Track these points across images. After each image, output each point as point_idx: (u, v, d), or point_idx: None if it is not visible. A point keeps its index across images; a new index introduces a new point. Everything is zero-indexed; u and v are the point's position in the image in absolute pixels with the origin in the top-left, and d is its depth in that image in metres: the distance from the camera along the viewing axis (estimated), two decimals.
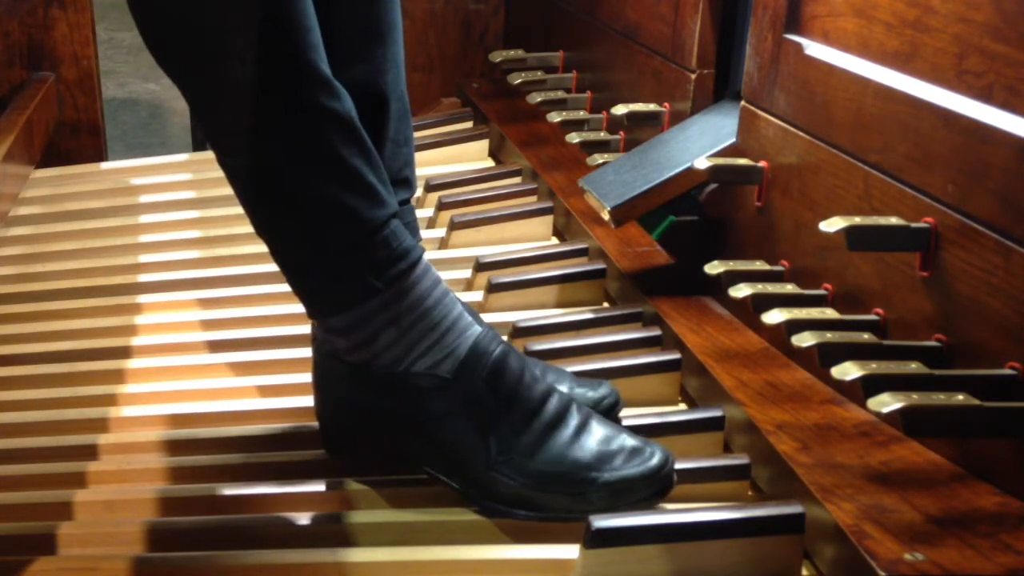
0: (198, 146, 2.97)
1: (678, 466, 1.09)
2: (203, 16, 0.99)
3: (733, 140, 1.43)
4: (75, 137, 2.42)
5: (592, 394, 1.18)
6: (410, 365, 1.08)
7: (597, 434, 1.07)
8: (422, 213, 1.85)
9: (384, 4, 1.16)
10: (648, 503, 1.05)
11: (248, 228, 1.81)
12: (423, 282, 1.09)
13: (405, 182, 1.20)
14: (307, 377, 1.20)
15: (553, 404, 1.08)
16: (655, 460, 1.05)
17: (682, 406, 1.29)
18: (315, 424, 1.22)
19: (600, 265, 1.56)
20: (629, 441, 1.07)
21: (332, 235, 1.06)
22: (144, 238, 1.85)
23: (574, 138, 1.80)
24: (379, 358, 1.09)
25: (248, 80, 1.00)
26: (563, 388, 1.18)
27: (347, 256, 1.06)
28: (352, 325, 1.09)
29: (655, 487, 1.05)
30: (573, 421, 1.08)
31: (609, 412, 1.18)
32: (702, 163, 1.35)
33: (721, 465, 1.11)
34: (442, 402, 1.07)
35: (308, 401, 1.22)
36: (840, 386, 1.15)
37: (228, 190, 2.00)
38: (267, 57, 1.00)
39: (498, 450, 1.06)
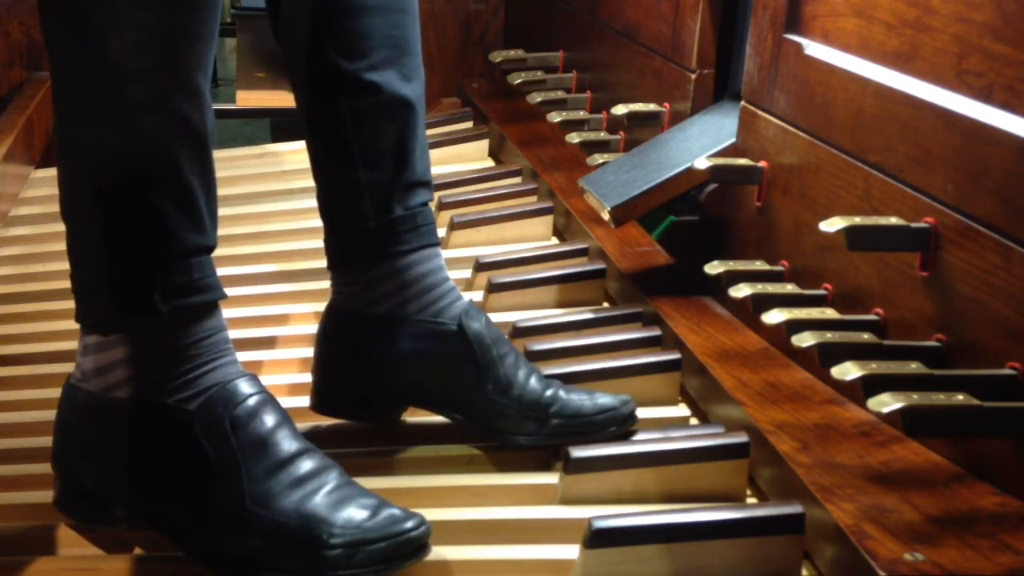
0: None
1: (679, 446, 1.09)
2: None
3: (733, 140, 1.43)
4: None
5: (609, 400, 1.19)
6: (160, 395, 1.00)
7: (350, 496, 0.99)
8: None
9: (410, 17, 1.18)
10: (393, 566, 0.97)
11: (248, 228, 1.84)
12: (208, 323, 1.03)
13: (427, 184, 1.23)
14: (305, 378, 1.20)
15: (309, 462, 1.00)
16: (408, 524, 0.97)
17: (692, 417, 1.29)
18: (315, 424, 1.23)
19: (600, 265, 1.56)
20: (387, 508, 0.98)
21: (141, 241, 1.00)
22: None
23: (574, 138, 1.80)
24: (127, 384, 1.02)
25: (120, 60, 0.95)
26: (580, 397, 1.18)
27: (146, 268, 1.00)
28: (110, 344, 1.02)
29: (403, 550, 0.97)
30: (328, 482, 1.00)
31: (625, 421, 1.19)
32: (702, 163, 1.35)
33: (720, 444, 1.11)
34: (183, 436, 0.99)
35: (306, 401, 1.23)
36: (840, 386, 1.15)
37: (227, 190, 2.02)
38: (146, 48, 0.96)
39: (228, 494, 0.98)
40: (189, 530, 1.00)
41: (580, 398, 1.18)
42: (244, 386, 1.01)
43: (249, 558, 0.97)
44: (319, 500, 0.98)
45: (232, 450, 0.98)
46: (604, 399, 1.19)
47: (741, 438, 1.11)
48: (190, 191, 1.00)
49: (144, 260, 1.00)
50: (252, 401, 1.01)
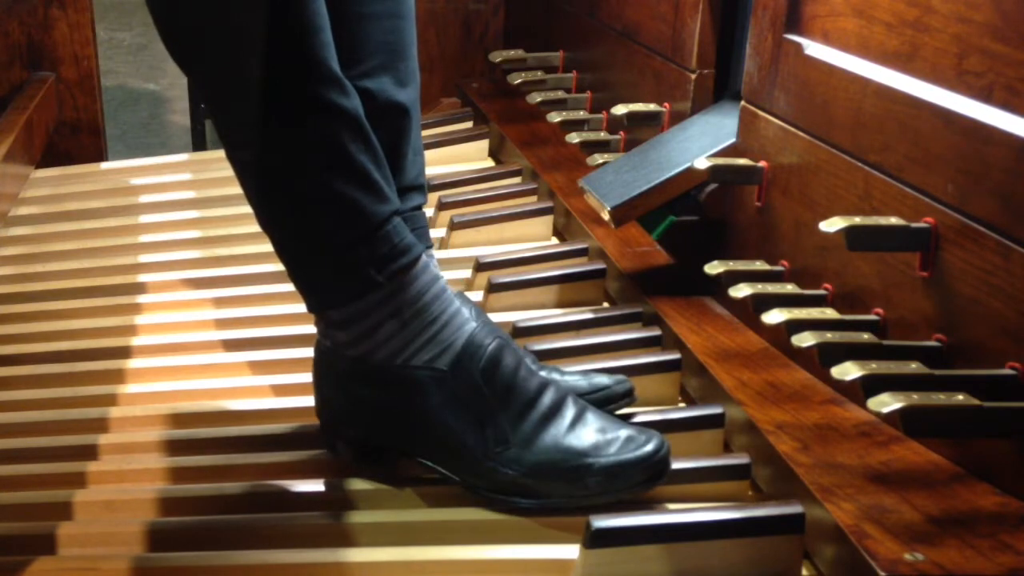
0: (198, 146, 2.97)
1: (679, 465, 1.09)
2: (216, 14, 1.01)
3: (733, 140, 1.43)
4: (75, 137, 2.42)
5: (605, 379, 1.21)
6: (409, 358, 1.10)
7: (592, 424, 1.09)
8: None
9: (405, 22, 1.20)
10: (643, 488, 1.07)
11: (248, 228, 1.84)
12: (422, 277, 1.11)
13: (420, 188, 1.24)
14: (308, 377, 1.20)
15: (549, 396, 1.10)
16: (649, 446, 1.07)
17: (682, 405, 1.29)
18: (316, 424, 1.22)
19: (600, 265, 1.56)
20: (624, 430, 1.09)
21: (336, 229, 1.08)
22: (144, 238, 1.85)
23: (574, 138, 1.80)
24: (379, 351, 1.11)
25: (259, 76, 1.02)
26: (576, 379, 1.20)
27: (350, 250, 1.08)
28: (352, 318, 1.10)
29: (649, 472, 1.07)
30: (569, 412, 1.10)
31: (622, 398, 1.21)
32: (702, 163, 1.35)
33: (721, 465, 1.11)
34: (440, 394, 1.09)
35: (309, 401, 1.22)
36: (840, 386, 1.15)
37: (228, 190, 2.02)
38: (278, 54, 1.02)
39: (495, 441, 1.08)
40: (457, 472, 1.10)
41: (575, 379, 1.20)
42: (481, 335, 1.11)
43: (516, 491, 1.08)
44: (571, 432, 1.08)
45: (488, 400, 1.09)
46: (599, 379, 1.21)
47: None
48: (364, 169, 1.07)
49: (348, 245, 1.08)
50: (492, 348, 1.10)
